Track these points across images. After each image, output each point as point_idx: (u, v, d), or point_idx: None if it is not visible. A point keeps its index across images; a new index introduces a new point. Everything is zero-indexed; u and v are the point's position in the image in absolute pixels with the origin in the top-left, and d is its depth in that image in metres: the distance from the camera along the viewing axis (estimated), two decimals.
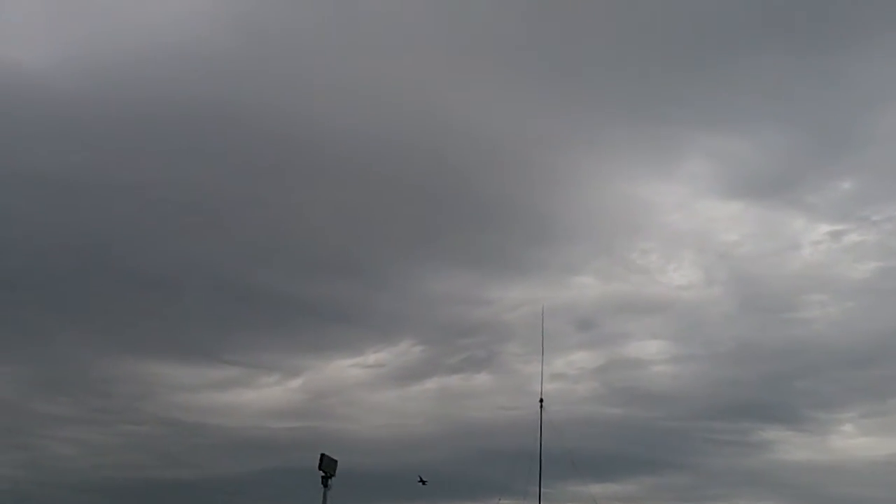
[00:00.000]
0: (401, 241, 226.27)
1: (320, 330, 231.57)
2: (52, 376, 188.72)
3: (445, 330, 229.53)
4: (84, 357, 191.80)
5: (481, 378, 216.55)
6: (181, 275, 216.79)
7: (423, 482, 46.97)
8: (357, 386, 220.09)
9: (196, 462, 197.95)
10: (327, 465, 42.37)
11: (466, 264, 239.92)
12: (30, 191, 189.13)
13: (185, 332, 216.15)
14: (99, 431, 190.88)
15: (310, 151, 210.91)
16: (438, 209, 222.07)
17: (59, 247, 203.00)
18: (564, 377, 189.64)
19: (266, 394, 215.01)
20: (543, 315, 27.26)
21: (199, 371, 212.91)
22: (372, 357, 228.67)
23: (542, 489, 22.53)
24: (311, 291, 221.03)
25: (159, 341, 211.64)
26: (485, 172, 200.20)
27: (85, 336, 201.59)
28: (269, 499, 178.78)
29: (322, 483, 41.87)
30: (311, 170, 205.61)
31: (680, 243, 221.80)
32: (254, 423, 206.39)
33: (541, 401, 22.67)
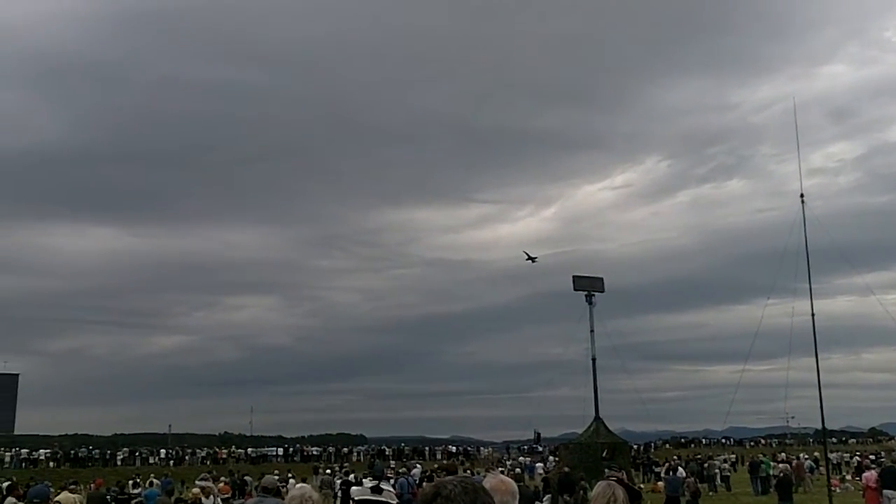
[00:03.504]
0: (632, 59, 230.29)
1: (565, 159, 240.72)
2: (326, 234, 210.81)
3: (690, 141, 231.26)
4: (350, 213, 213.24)
5: (733, 184, 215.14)
6: (422, 125, 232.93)
7: (532, 259, 48.16)
8: (607, 208, 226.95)
9: (463, 295, 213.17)
10: (587, 285, 44.43)
11: (705, 71, 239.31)
12: (275, 67, 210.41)
13: (435, 177, 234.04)
14: (373, 278, 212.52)
15: None
16: (667, 20, 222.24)
17: (312, 117, 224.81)
18: (823, 171, 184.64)
19: (521, 226, 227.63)
20: (795, 110, 27.51)
21: (455, 212, 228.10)
22: (619, 178, 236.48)
23: (812, 284, 23.14)
24: (550, 123, 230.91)
25: (414, 190, 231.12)
26: None
27: (348, 194, 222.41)
28: (536, 321, 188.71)
29: (586, 300, 43.88)
30: (531, 4, 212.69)
31: None
32: (513, 254, 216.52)
33: (801, 196, 23.09)
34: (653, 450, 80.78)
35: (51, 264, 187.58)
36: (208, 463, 68.04)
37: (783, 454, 51.02)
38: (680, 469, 33.72)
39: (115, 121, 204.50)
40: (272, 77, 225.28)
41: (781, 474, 28.72)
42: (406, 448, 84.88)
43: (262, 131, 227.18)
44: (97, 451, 73.09)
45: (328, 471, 47.99)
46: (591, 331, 46.20)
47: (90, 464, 67.01)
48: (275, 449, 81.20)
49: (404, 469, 39.49)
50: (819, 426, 26.86)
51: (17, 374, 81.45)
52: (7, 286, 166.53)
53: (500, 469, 42.67)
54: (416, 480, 30.18)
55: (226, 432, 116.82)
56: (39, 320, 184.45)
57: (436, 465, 45.56)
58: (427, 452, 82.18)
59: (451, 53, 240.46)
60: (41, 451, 70.22)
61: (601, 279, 47.85)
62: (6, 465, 63.69)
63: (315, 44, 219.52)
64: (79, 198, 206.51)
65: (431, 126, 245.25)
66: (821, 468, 42.53)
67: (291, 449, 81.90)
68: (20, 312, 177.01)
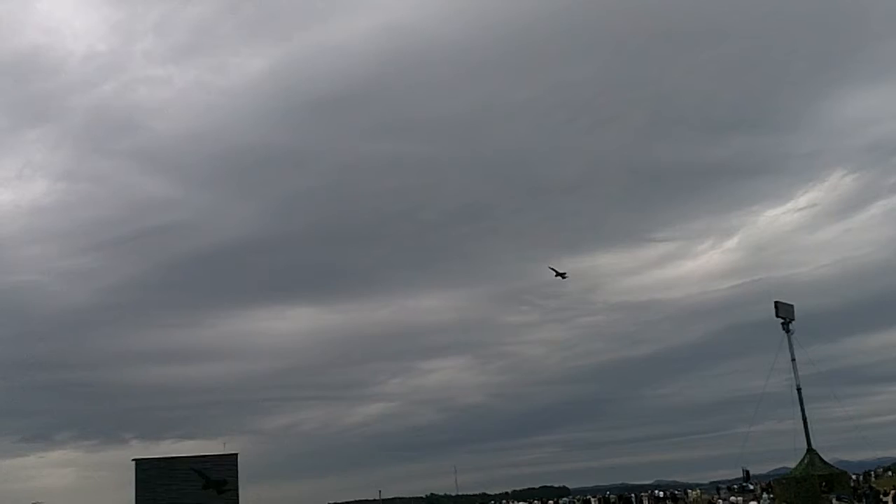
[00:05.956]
0: (803, 75, 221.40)
1: (743, 186, 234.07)
2: (511, 290, 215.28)
3: (876, 151, 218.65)
4: (533, 266, 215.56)
5: None
6: (594, 170, 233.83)
7: (562, 275, 46.48)
8: (793, 231, 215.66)
9: (650, 337, 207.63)
10: (784, 312, 43.41)
11: (883, 77, 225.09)
12: (444, 135, 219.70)
13: (612, 221, 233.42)
14: (560, 328, 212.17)
15: (686, 15, 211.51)
16: (834, 32, 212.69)
17: (485, 178, 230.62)
18: None
19: (704, 260, 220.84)
20: None
21: (635, 254, 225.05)
22: (802, 199, 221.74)
23: None
24: (723, 151, 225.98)
25: (592, 236, 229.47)
26: None
27: (529, 248, 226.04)
28: (730, 356, 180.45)
29: (783, 329, 42.96)
30: (690, 34, 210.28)
31: None
32: (698, 290, 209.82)
33: None
34: (873, 479, 76.64)
35: (258, 347, 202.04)
36: None
37: None
38: None
39: (308, 204, 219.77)
40: (443, 145, 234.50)
41: None
42: (611, 496, 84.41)
43: (442, 198, 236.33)
44: None
45: None
46: (793, 359, 45.40)
47: None
48: None
49: None
50: None
51: (236, 454, 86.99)
52: (224, 372, 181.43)
53: None
54: None
55: (432, 493, 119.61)
56: (253, 401, 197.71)
57: None
58: (633, 499, 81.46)
59: (613, 97, 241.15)
60: None
61: (791, 306, 47.00)
62: None
63: (478, 108, 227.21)
64: (279, 281, 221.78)
65: (602, 170, 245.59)
66: None
67: None
68: (235, 396, 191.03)
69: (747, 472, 79.94)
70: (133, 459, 78.24)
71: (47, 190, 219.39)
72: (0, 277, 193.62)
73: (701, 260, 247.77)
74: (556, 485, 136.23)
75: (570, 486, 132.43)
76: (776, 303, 46.35)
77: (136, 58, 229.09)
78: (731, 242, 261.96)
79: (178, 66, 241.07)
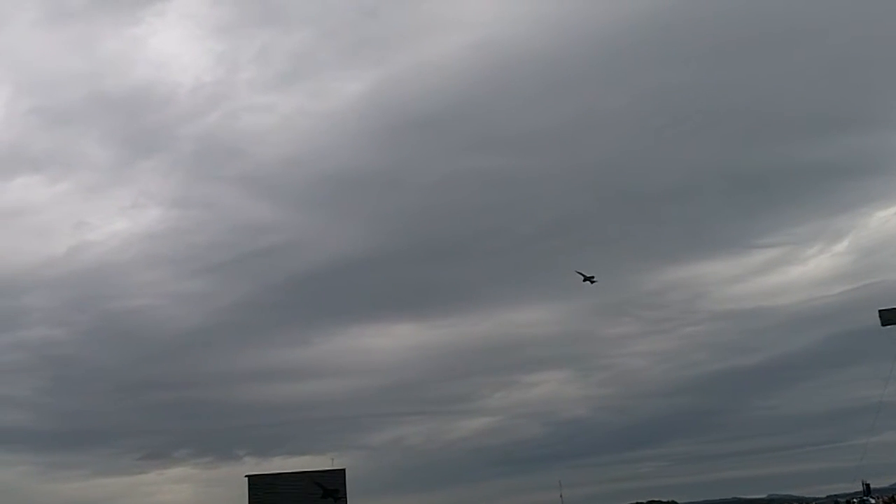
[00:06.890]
0: None
1: (850, 187, 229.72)
2: (610, 301, 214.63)
3: None
4: (632, 277, 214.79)
5: None
6: (693, 177, 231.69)
7: (590, 279, 44.36)
8: None
9: (757, 346, 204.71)
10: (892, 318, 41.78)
11: None
12: (534, 149, 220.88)
13: (714, 228, 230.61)
14: (663, 339, 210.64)
15: (785, 15, 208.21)
16: None
17: (579, 189, 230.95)
18: None
19: (812, 265, 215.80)
20: None
21: (739, 261, 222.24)
22: None
23: None
24: (827, 152, 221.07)
25: (694, 244, 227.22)
26: None
27: (627, 259, 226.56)
28: (844, 364, 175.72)
29: None
30: (790, 34, 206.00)
31: None
32: (807, 296, 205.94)
33: None
34: None
35: (363, 364, 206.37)
36: None
37: None
38: None
39: (407, 222, 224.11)
40: (538, 158, 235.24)
41: None
42: None
43: (539, 211, 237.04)
44: None
45: None
46: None
47: None
48: None
49: None
50: None
51: (343, 469, 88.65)
52: (330, 389, 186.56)
53: None
54: None
55: None
56: (359, 417, 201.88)
57: None
58: None
59: (711, 101, 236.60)
60: None
61: None
62: None
63: (572, 119, 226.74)
64: (382, 299, 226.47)
65: (702, 177, 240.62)
66: None
67: None
68: (343, 412, 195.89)
69: (868, 485, 76.63)
70: (246, 476, 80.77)
71: (161, 217, 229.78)
72: (118, 302, 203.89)
73: (809, 265, 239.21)
74: (664, 499, 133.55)
75: (679, 500, 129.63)
76: (881, 311, 44.50)
77: (240, 87, 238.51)
78: (841, 246, 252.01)
79: (280, 93, 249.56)
